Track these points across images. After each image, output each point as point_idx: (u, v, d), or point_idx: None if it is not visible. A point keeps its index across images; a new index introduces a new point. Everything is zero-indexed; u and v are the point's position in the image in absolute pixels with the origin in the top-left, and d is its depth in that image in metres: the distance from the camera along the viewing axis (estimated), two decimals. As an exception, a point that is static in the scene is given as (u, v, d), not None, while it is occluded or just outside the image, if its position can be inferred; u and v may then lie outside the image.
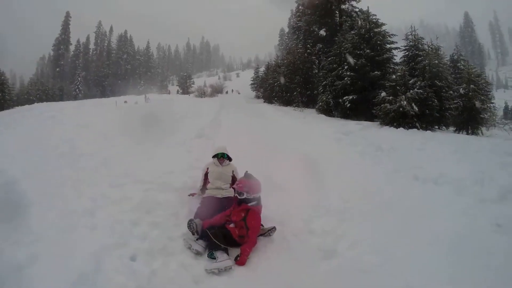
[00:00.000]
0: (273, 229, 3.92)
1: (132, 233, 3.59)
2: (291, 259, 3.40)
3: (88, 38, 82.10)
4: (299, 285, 2.98)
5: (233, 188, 3.98)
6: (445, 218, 3.94)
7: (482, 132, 12.41)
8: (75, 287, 2.62)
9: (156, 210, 4.18)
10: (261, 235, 3.85)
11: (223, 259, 3.34)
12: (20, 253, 2.90)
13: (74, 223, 3.71)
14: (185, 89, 68.07)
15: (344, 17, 24.24)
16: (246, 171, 3.98)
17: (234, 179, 4.61)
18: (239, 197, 3.76)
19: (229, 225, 3.74)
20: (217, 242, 3.50)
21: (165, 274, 3.09)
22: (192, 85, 68.14)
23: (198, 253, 3.50)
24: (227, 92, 61.67)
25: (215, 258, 3.39)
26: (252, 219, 3.66)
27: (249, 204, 3.73)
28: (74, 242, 3.27)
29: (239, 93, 56.86)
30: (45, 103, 31.87)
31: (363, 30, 17.06)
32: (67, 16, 74.58)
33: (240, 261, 3.41)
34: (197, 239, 3.67)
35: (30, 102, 41.02)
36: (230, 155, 4.88)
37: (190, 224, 3.75)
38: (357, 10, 24.19)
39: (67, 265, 2.83)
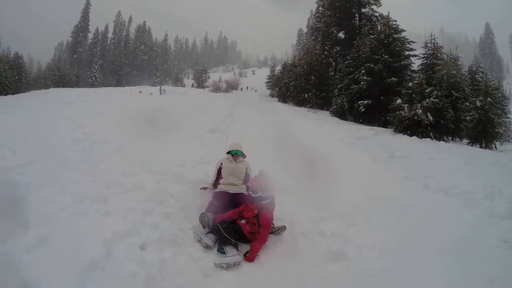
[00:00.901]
0: (283, 228, 3.95)
1: (144, 222, 3.63)
2: (299, 259, 3.43)
3: (106, 27, 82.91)
4: (306, 284, 3.01)
5: (248, 186, 3.99)
6: (453, 229, 3.95)
7: (495, 147, 12.20)
8: (86, 272, 2.64)
9: (169, 201, 4.22)
10: (271, 233, 3.88)
11: (233, 254, 3.38)
12: (29, 235, 2.91)
13: (86, 208, 3.74)
14: (200, 83, 68.29)
15: (364, 20, 24.04)
16: (261, 169, 4.01)
17: (247, 176, 4.63)
18: (253, 195, 3.77)
19: (240, 221, 3.78)
20: (228, 237, 3.54)
21: (175, 265, 3.13)
22: (207, 80, 68.33)
23: (207, 247, 3.53)
24: (242, 89, 61.63)
25: (224, 253, 3.43)
26: (264, 217, 3.69)
27: (263, 202, 3.75)
28: (85, 227, 3.30)
29: (255, 91, 56.67)
30: (61, 88, 32.38)
31: (382, 35, 16.92)
32: (87, 4, 75.33)
33: (250, 257, 3.45)
34: (207, 233, 3.71)
35: (46, 86, 41.61)
36: (245, 152, 4.90)
37: (202, 217, 3.80)
38: (377, 14, 23.96)
39: (77, 250, 2.84)
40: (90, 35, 78.21)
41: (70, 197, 4.03)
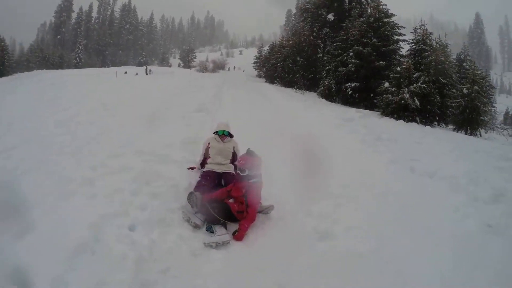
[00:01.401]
0: (271, 207, 3.98)
1: (132, 203, 3.60)
2: (288, 238, 3.46)
3: (91, 6, 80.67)
4: (295, 263, 3.04)
5: (235, 164, 3.97)
6: (438, 212, 4.05)
7: (480, 134, 12.48)
8: (75, 255, 2.61)
9: (156, 181, 4.18)
10: (259, 212, 3.90)
11: (221, 234, 3.39)
12: (17, 221, 2.85)
13: (72, 191, 3.69)
14: (186, 63, 67.23)
15: (354, 3, 23.84)
16: (248, 148, 3.98)
17: (234, 155, 4.63)
18: (241, 174, 3.77)
19: (228, 200, 3.78)
20: (216, 216, 3.55)
21: (164, 245, 3.12)
22: (194, 60, 67.28)
23: (196, 226, 3.52)
24: (229, 69, 61.05)
25: (213, 232, 3.44)
26: (252, 195, 3.69)
27: (251, 181, 3.75)
28: (72, 210, 3.26)
29: (243, 71, 56.17)
30: (44, 70, 31.49)
31: (372, 18, 16.86)
32: (71, -18, 72.73)
33: (238, 236, 3.47)
34: (196, 212, 3.70)
35: (29, 69, 40.50)
36: (232, 132, 4.88)
37: (190, 196, 3.78)
38: (367, -3, 23.76)
39: (66, 233, 2.80)
40: (74, 15, 76.17)
41: (55, 181, 3.98)
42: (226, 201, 3.77)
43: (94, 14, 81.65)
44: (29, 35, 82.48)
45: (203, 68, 53.51)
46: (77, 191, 3.70)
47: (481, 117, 12.23)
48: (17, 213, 3.00)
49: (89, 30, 78.27)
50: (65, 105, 9.61)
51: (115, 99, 11.16)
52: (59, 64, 53.16)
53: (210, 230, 3.49)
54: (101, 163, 4.66)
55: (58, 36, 72.07)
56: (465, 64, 20.15)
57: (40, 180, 3.98)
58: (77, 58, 61.23)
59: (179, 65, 68.33)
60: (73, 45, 67.11)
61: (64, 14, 73.19)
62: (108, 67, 51.43)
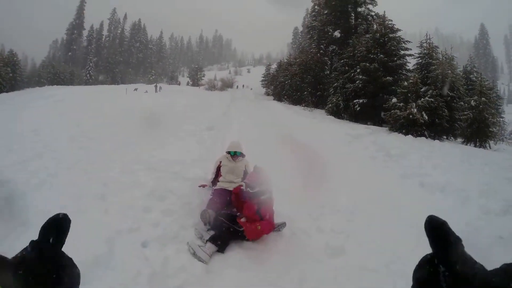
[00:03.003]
0: (283, 224, 3.97)
1: (145, 220, 3.65)
2: (300, 254, 3.45)
3: (101, 25, 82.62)
4: (308, 279, 3.04)
5: (245, 182, 3.93)
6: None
7: (490, 146, 12.35)
8: (89, 270, 2.64)
9: (168, 198, 4.24)
10: (271, 229, 3.91)
11: (206, 251, 3.30)
12: (29, 233, 2.91)
13: (85, 205, 3.76)
14: (195, 81, 67.98)
15: (360, 20, 24.15)
16: (256, 165, 4.02)
17: (246, 174, 4.66)
18: (250, 191, 3.77)
19: (240, 218, 3.75)
20: (229, 237, 3.54)
21: (177, 262, 3.13)
22: (203, 78, 67.98)
23: (200, 260, 3.24)
24: (237, 87, 61.51)
25: (205, 244, 3.40)
26: (266, 210, 3.69)
27: (262, 198, 3.76)
28: (85, 225, 3.25)
29: (251, 89, 56.60)
30: (56, 86, 32.15)
31: (378, 34, 17.00)
32: (83, 1, 74.84)
33: (255, 233, 3.56)
34: (208, 230, 3.73)
35: (41, 84, 41.36)
36: (244, 151, 4.91)
37: (203, 214, 3.81)
38: (373, 14, 24.07)
39: (79, 248, 2.82)
40: (85, 33, 78.03)
41: (68, 195, 4.04)
42: (238, 220, 3.74)
43: (105, 32, 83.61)
44: (41, 51, 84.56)
45: (212, 86, 54.00)
46: (90, 206, 3.76)
47: (490, 129, 12.14)
48: (28, 226, 3.07)
49: (99, 47, 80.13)
50: (77, 120, 9.78)
51: (125, 115, 11.33)
52: (70, 80, 54.25)
53: (211, 240, 3.43)
54: (114, 179, 4.74)
55: (69, 53, 73.82)
56: (472, 76, 20.11)
57: (53, 194, 4.04)
58: (88, 75, 62.49)
59: (187, 83, 69.08)
60: (84, 62, 68.54)
61: (75, 31, 75.12)
62: (118, 84, 52.30)
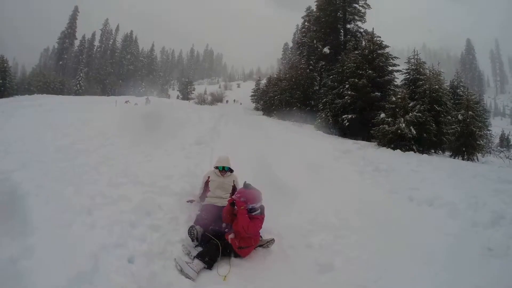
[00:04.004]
0: (271, 240, 3.95)
1: (131, 235, 3.56)
2: (289, 271, 3.43)
3: (93, 35, 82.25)
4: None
5: (234, 199, 3.86)
6: (438, 239, 4.08)
7: (477, 158, 12.59)
8: (73, 284, 2.57)
9: (156, 213, 4.16)
10: (260, 246, 3.87)
11: (193, 268, 3.28)
12: (15, 244, 2.82)
13: (71, 219, 3.63)
14: (185, 95, 68.01)
15: (349, 36, 24.70)
16: (245, 182, 4.00)
17: (234, 189, 4.64)
18: (251, 206, 3.73)
19: (229, 235, 3.73)
20: (217, 253, 3.50)
21: (164, 278, 3.08)
22: (193, 92, 68.11)
23: (188, 277, 3.23)
24: (227, 102, 61.66)
25: (192, 261, 3.37)
26: (253, 225, 3.67)
27: (253, 214, 3.74)
28: (71, 238, 3.21)
29: (240, 104, 56.81)
30: (45, 95, 31.80)
31: (366, 50, 17.39)
32: (75, 10, 74.61)
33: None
34: (196, 246, 3.68)
35: (30, 92, 40.72)
36: (232, 167, 4.89)
37: (191, 230, 3.76)
38: (362, 30, 24.66)
39: (64, 261, 2.76)
40: (77, 42, 77.40)
41: (54, 207, 3.91)
42: (226, 236, 3.72)
43: (97, 42, 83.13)
44: (32, 58, 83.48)
45: (202, 101, 54.23)
46: (75, 220, 3.64)
47: (477, 142, 12.41)
48: (17, 234, 2.99)
49: (90, 58, 79.55)
50: (65, 131, 9.61)
51: (114, 127, 11.21)
52: (59, 90, 53.60)
53: (199, 257, 3.41)
54: (100, 193, 4.63)
55: (60, 62, 73.07)
56: (458, 90, 20.59)
57: (38, 205, 3.92)
58: (78, 85, 61.81)
59: (177, 97, 69.02)
60: (74, 72, 67.81)
61: (67, 40, 74.47)
62: (108, 95, 51.94)
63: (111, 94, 60.36)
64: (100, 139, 9.01)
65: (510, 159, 14.04)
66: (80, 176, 5.48)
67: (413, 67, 15.41)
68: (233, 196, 3.95)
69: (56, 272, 2.63)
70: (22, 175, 5.13)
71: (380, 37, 18.00)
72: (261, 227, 3.83)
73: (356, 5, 25.26)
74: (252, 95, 54.93)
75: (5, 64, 45.28)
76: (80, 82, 62.74)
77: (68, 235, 3.28)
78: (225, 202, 4.37)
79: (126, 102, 30.89)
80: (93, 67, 77.51)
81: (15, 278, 2.44)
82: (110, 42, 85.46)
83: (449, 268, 3.35)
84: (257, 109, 45.00)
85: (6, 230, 3.02)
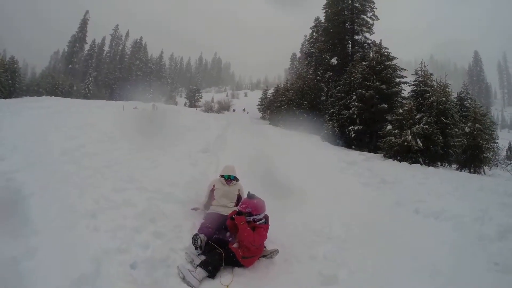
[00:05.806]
0: (275, 251, 3.91)
1: (134, 240, 3.55)
2: (292, 283, 3.39)
3: (103, 40, 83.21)
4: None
5: (239, 210, 3.86)
6: (444, 252, 4.02)
7: (484, 171, 12.44)
8: (76, 287, 2.57)
9: (160, 220, 4.15)
10: (264, 256, 3.84)
11: (195, 277, 3.24)
12: (17, 245, 2.85)
13: (74, 222, 3.65)
14: (192, 102, 68.34)
15: (357, 47, 24.74)
16: (249, 192, 4.01)
17: (239, 198, 4.64)
18: (246, 218, 3.72)
19: (232, 244, 3.72)
20: (220, 262, 3.47)
21: (166, 286, 3.06)
22: (200, 99, 68.43)
23: (190, 285, 3.19)
24: (234, 110, 61.77)
25: (195, 269, 3.34)
26: (258, 235, 3.66)
27: (258, 223, 3.73)
28: (74, 241, 3.22)
29: (247, 113, 56.90)
30: (54, 97, 32.17)
31: (374, 62, 17.36)
32: (86, 14, 75.84)
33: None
34: (199, 254, 3.66)
35: (39, 94, 41.04)
36: (237, 176, 4.89)
37: (195, 238, 3.74)
38: (369, 41, 24.69)
39: (66, 264, 2.77)
40: (87, 47, 78.13)
41: (58, 209, 3.93)
42: (230, 246, 3.70)
43: (106, 47, 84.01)
44: (42, 61, 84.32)
45: (209, 108, 54.41)
46: (79, 222, 3.66)
47: (484, 155, 12.26)
48: (20, 235, 3.02)
49: (100, 62, 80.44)
50: (72, 133, 9.66)
51: (121, 132, 11.25)
52: (68, 93, 54.02)
53: (202, 265, 3.38)
54: (105, 197, 4.63)
55: (70, 66, 73.77)
56: (466, 102, 20.43)
57: (42, 207, 3.93)
58: (86, 89, 62.42)
59: (185, 104, 69.34)
60: (84, 76, 68.50)
61: (77, 44, 75.31)
62: (115, 100, 52.36)
63: (119, 99, 60.88)
64: (107, 143, 9.04)
65: (517, 172, 13.82)
66: (85, 179, 5.49)
67: (420, 78, 15.38)
68: (238, 207, 3.95)
69: (58, 274, 2.65)
70: (27, 176, 5.16)
71: (387, 48, 18.04)
72: (266, 237, 3.81)
73: (364, 17, 25.38)
74: (259, 104, 55.21)
75: (15, 65, 45.89)
76: (89, 86, 63.37)
77: (71, 237, 3.30)
78: (229, 211, 4.37)
79: (135, 108, 31.05)
80: (102, 71, 78.30)
81: (16, 279, 2.45)
82: (120, 48, 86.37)
83: (454, 282, 3.32)
84: (263, 118, 44.98)
85: (9, 230, 3.03)
